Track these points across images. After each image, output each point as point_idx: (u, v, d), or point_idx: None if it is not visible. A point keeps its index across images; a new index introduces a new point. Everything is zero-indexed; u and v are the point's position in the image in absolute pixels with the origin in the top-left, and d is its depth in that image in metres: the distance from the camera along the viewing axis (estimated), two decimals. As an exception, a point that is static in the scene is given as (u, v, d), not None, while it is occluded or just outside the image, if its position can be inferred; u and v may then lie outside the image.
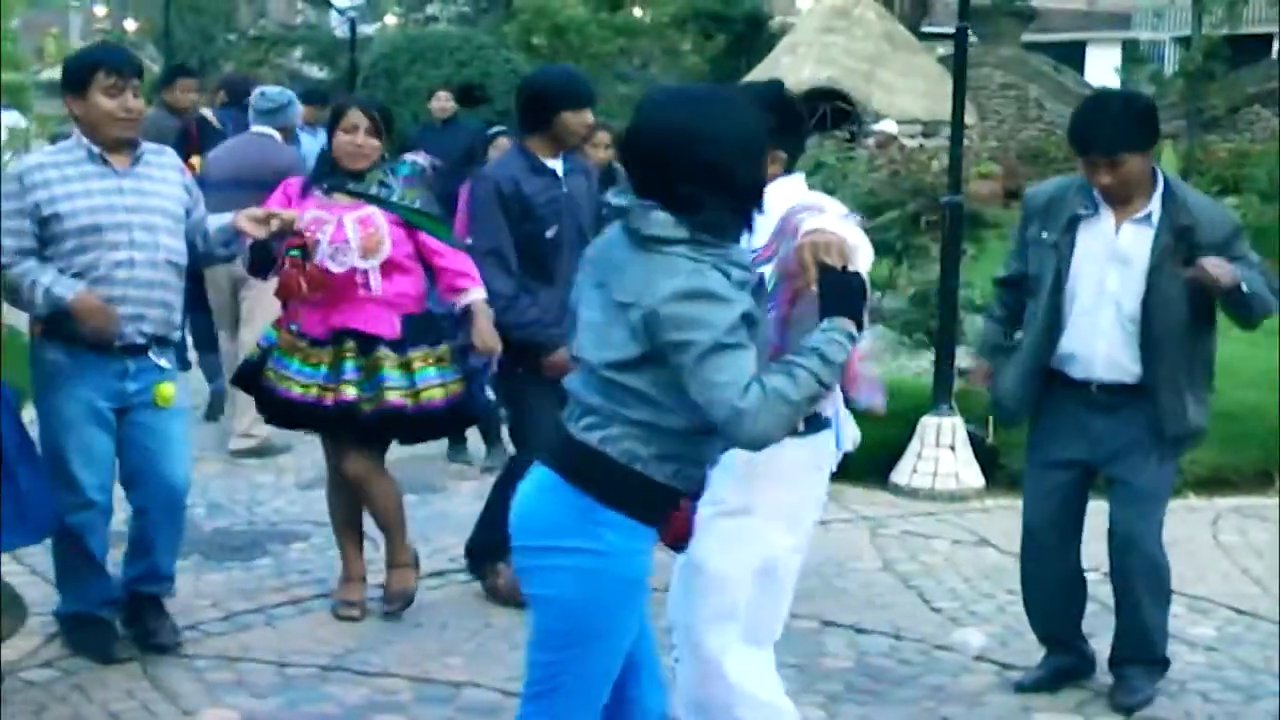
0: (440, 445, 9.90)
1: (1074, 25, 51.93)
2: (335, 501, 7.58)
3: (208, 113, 12.24)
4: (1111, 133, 6.30)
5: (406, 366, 7.07)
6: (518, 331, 7.33)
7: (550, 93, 7.59)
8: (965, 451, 10.09)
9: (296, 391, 7.12)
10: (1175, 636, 7.33)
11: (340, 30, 46.19)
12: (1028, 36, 38.84)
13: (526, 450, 7.67)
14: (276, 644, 7.04)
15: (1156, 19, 47.84)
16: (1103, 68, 45.99)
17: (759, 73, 29.62)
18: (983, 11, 33.54)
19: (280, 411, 7.36)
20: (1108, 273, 6.40)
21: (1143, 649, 6.67)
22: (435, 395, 7.12)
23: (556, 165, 7.59)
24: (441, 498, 9.41)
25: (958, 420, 10.17)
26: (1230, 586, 8.25)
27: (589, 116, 7.67)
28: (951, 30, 21.22)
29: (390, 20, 48.59)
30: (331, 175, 7.25)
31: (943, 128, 25.11)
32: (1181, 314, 6.34)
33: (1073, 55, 47.04)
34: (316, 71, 48.94)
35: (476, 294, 7.20)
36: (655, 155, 4.14)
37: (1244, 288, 6.20)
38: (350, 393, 7.04)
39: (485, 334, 7.17)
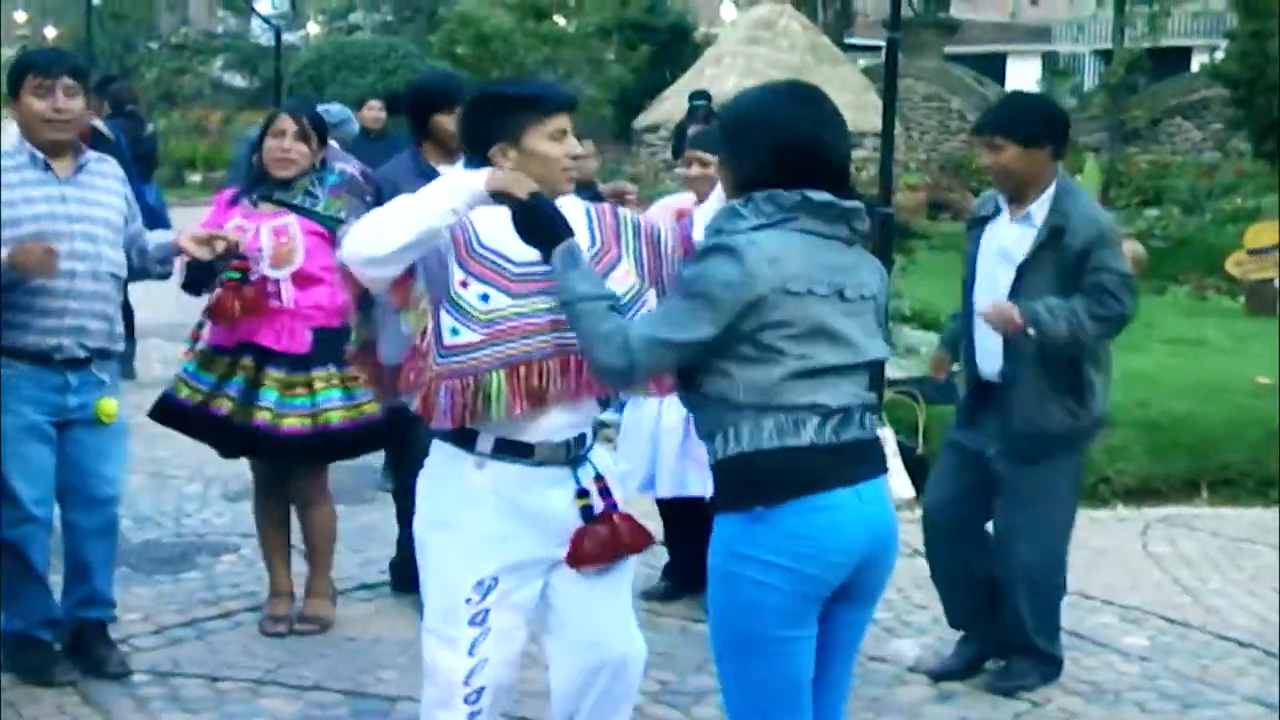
0: (372, 457, 9.84)
1: (995, 38, 52.26)
2: (263, 517, 7.47)
3: (99, 124, 12.10)
4: (995, 118, 6.82)
5: (308, 385, 7.00)
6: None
7: (425, 95, 7.61)
8: (895, 462, 10.05)
9: (184, 395, 7.07)
10: (1108, 646, 7.41)
11: (264, 38, 46.05)
12: (950, 48, 39.11)
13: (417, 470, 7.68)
14: (208, 658, 6.96)
15: (1077, 32, 48.22)
16: (1024, 80, 46.26)
17: (683, 83, 29.73)
18: (905, 23, 33.66)
19: (174, 417, 7.20)
20: (997, 270, 6.67)
21: (1025, 642, 6.87)
22: (334, 418, 7.01)
23: (450, 171, 7.50)
24: (372, 509, 9.32)
25: (888, 431, 10.14)
26: (1161, 596, 8.28)
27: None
28: (875, 42, 21.38)
29: (314, 28, 48.50)
30: (261, 183, 7.16)
31: (867, 139, 25.27)
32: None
33: (994, 67, 47.38)
34: (239, 80, 48.84)
35: None
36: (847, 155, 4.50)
37: (1029, 331, 6.39)
38: (225, 406, 6.98)
39: None
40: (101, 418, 6.48)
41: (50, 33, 58.15)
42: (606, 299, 4.33)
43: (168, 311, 12.16)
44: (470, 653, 4.76)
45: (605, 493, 4.85)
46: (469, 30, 33.38)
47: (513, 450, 4.73)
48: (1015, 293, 6.54)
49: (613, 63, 34.97)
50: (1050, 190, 6.62)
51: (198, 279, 6.93)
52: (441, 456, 4.83)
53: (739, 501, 4.29)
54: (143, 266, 6.70)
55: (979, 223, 6.89)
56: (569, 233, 4.43)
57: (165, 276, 6.98)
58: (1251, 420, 11.13)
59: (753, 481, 4.26)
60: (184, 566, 8.28)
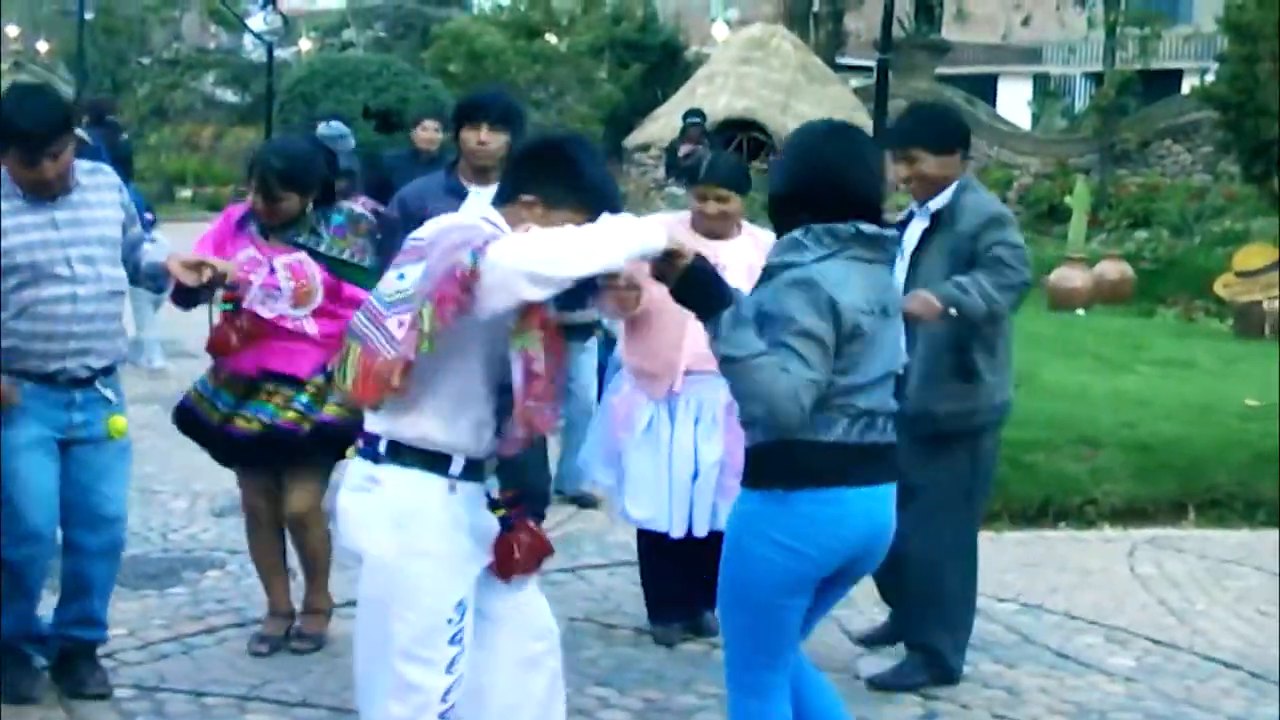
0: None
1: (986, 59, 52.29)
2: (255, 538, 7.39)
3: (80, 132, 12.16)
4: (908, 131, 7.09)
5: (319, 392, 7.00)
6: None
7: (455, 110, 7.70)
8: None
9: (203, 411, 7.06)
10: (1093, 667, 7.41)
11: (256, 54, 46.08)
12: (941, 69, 39.15)
13: None
14: (194, 673, 6.94)
15: (1069, 53, 48.28)
16: (1015, 101, 46.38)
17: (675, 103, 29.79)
18: (897, 44, 33.71)
19: (225, 448, 7.19)
20: (899, 265, 6.74)
21: (913, 636, 7.10)
22: (334, 411, 6.93)
23: (485, 192, 7.44)
24: (359, 525, 9.32)
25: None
26: (1148, 617, 8.28)
27: (484, 134, 7.40)
28: (867, 62, 21.42)
29: (306, 45, 48.50)
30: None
31: (858, 159, 25.29)
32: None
33: (985, 88, 47.43)
34: (231, 96, 48.84)
35: None
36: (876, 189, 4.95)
37: (952, 312, 6.48)
38: (252, 427, 6.97)
39: None
40: (112, 434, 6.41)
41: (43, 47, 58.15)
42: (767, 352, 4.58)
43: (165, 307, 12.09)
44: (449, 670, 4.79)
45: (511, 502, 4.93)
46: (461, 48, 33.39)
47: (472, 470, 4.81)
48: (909, 281, 6.73)
49: (604, 81, 34.96)
50: (951, 188, 6.87)
51: (187, 294, 6.90)
52: (408, 480, 4.77)
53: (762, 482, 4.80)
54: (135, 280, 6.61)
55: (899, 227, 6.89)
56: (730, 292, 4.67)
57: (159, 291, 6.94)
58: (1239, 442, 11.14)
59: (779, 467, 4.75)
60: (170, 582, 8.26)
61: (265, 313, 6.88)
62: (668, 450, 7.27)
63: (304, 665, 7.08)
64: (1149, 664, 7.56)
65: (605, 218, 4.59)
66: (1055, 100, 46.75)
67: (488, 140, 7.42)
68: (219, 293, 6.69)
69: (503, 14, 37.91)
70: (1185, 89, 37.59)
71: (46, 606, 6.70)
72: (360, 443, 4.85)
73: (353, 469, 4.86)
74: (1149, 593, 8.75)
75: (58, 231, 6.21)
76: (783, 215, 4.94)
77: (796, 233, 4.80)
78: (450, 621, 4.76)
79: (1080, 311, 19.18)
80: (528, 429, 4.71)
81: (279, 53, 42.95)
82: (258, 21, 44.94)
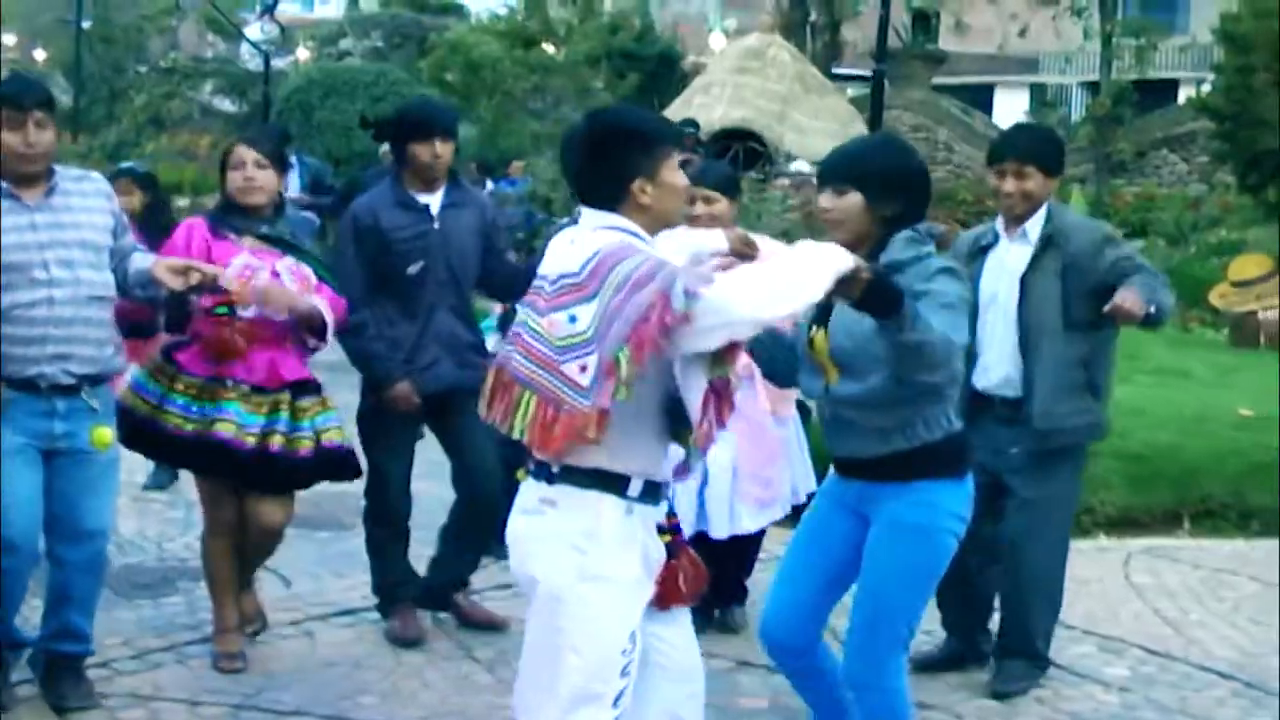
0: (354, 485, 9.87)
1: (983, 69, 52.26)
2: (218, 552, 7.29)
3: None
4: (1025, 147, 7.09)
5: (306, 410, 7.03)
6: (357, 360, 7.47)
7: (399, 124, 7.62)
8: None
9: (237, 438, 6.86)
10: (1088, 677, 7.42)
11: (253, 63, 46.07)
12: (937, 79, 39.13)
13: (373, 495, 7.72)
14: (189, 683, 6.96)
15: (1065, 63, 48.14)
16: (1011, 111, 46.30)
17: (671, 112, 29.70)
18: (893, 54, 33.71)
19: (216, 461, 6.99)
20: (999, 288, 6.95)
21: (1025, 645, 7.20)
22: (308, 444, 7.04)
23: (432, 199, 7.52)
24: (353, 534, 9.28)
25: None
26: (1142, 627, 8.29)
27: (437, 147, 7.43)
28: (863, 72, 21.46)
29: (303, 54, 48.47)
30: (238, 217, 7.06)
31: (855, 169, 25.30)
32: (1053, 317, 6.86)
33: (982, 98, 47.44)
34: (229, 105, 48.82)
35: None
36: None
37: (1153, 310, 6.59)
38: (278, 442, 6.92)
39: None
40: (97, 445, 6.35)
41: (40, 55, 58.21)
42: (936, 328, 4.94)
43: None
44: (615, 704, 4.64)
45: (676, 528, 4.88)
46: (458, 57, 33.39)
47: (650, 492, 4.70)
48: (1021, 303, 6.91)
49: (601, 91, 34.90)
50: (1043, 210, 6.96)
51: (178, 316, 6.87)
52: (584, 501, 4.62)
53: (941, 472, 5.34)
54: (124, 290, 6.52)
55: (980, 252, 7.12)
56: (902, 288, 4.81)
57: (147, 300, 6.75)
58: (1234, 452, 11.16)
59: (950, 456, 5.35)
60: (166, 591, 8.28)
61: (276, 317, 6.88)
62: None
63: (299, 674, 7.11)
64: (1144, 674, 7.58)
65: (795, 247, 4.64)
66: (1052, 110, 46.73)
67: (442, 153, 7.49)
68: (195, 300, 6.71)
69: (500, 24, 37.90)
70: (1181, 99, 37.62)
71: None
72: (530, 464, 4.71)
73: (525, 491, 4.71)
74: (1144, 602, 8.77)
75: (35, 234, 6.19)
76: (899, 222, 5.28)
77: (908, 233, 5.26)
78: (624, 652, 4.62)
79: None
80: (706, 448, 4.67)
81: (276, 62, 42.94)
82: (255, 31, 44.81)
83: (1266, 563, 9.71)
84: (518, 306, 4.78)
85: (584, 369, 4.42)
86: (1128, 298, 6.54)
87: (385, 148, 11.94)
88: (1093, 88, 39.30)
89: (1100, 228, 7.23)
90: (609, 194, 4.64)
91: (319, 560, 8.82)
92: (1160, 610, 8.63)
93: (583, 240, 4.57)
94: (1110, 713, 7.04)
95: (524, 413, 4.50)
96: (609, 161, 4.64)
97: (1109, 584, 9.09)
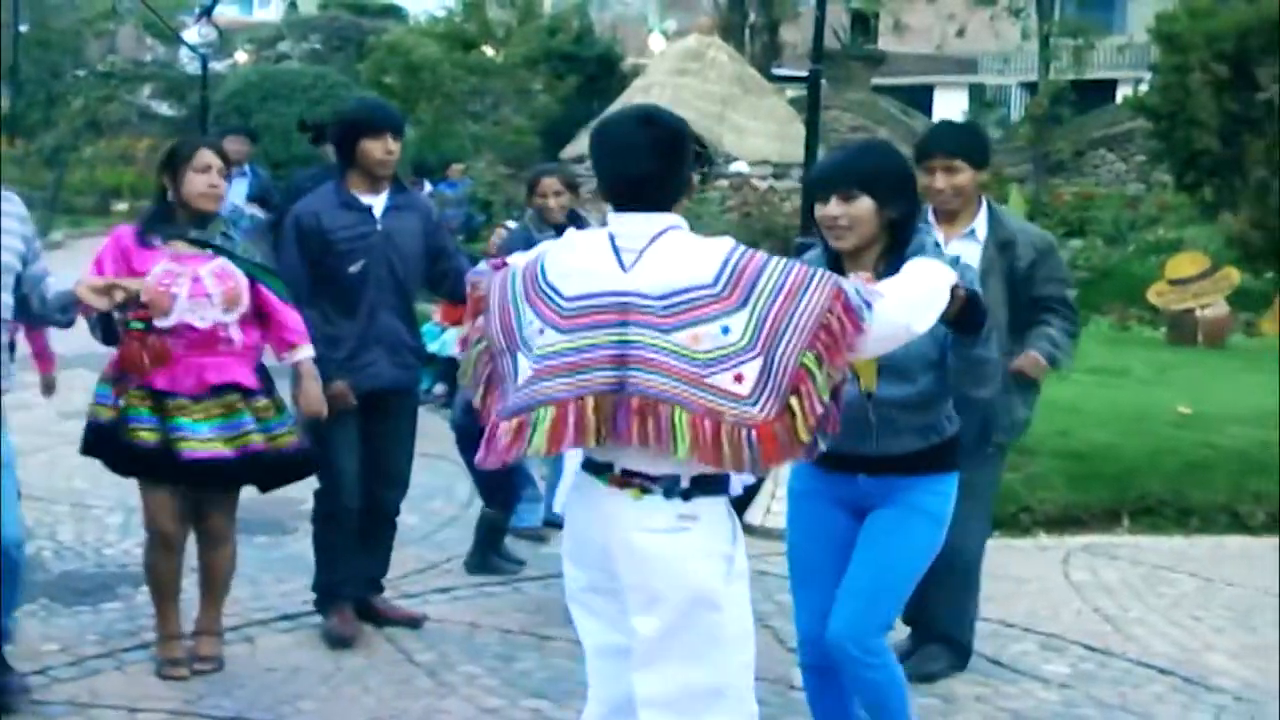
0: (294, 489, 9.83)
1: (922, 69, 52.46)
2: (160, 560, 7.16)
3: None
4: (954, 141, 7.16)
5: (264, 411, 6.97)
6: None
7: (350, 123, 7.58)
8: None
9: (202, 450, 6.79)
10: (1028, 674, 7.45)
11: (191, 67, 45.90)
12: (877, 80, 39.33)
13: (328, 494, 7.69)
14: (127, 689, 6.90)
15: (1003, 64, 48.47)
16: (950, 111, 46.47)
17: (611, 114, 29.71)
18: (833, 55, 33.89)
19: (177, 472, 6.89)
20: None
21: (949, 631, 7.42)
22: (287, 440, 7.02)
23: (376, 201, 7.51)
24: (293, 539, 9.29)
25: (811, 459, 10.20)
26: (1082, 624, 8.33)
27: (390, 143, 7.45)
28: (802, 73, 21.48)
29: (242, 57, 48.31)
30: (172, 221, 6.95)
31: (793, 169, 25.36)
32: (1001, 319, 6.86)
33: (921, 99, 47.66)
34: (167, 109, 48.61)
35: (305, 352, 7.13)
36: None
37: (1052, 365, 7.15)
38: (255, 440, 6.88)
39: (311, 397, 7.17)
40: None
41: (-24, 60, 57.85)
42: None
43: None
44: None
45: None
46: (397, 60, 33.31)
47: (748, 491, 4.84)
48: None
49: (540, 93, 34.93)
50: (983, 207, 7.05)
51: (110, 331, 6.74)
52: (720, 511, 4.67)
53: (951, 466, 5.54)
54: (44, 314, 6.48)
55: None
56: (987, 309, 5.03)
57: (68, 324, 6.71)
58: (1172, 450, 11.24)
59: (955, 452, 5.55)
60: (104, 597, 8.21)
61: (199, 323, 6.76)
62: None
63: (238, 680, 7.05)
64: (1083, 671, 7.61)
65: (918, 263, 4.82)
66: (990, 110, 46.99)
67: (395, 150, 7.50)
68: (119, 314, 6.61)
69: (439, 26, 37.85)
70: (1119, 99, 37.83)
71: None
72: (642, 481, 4.56)
73: (653, 511, 4.56)
74: (1083, 600, 8.81)
75: None
76: (902, 233, 5.28)
77: (930, 238, 5.40)
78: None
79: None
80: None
81: (215, 65, 42.78)
82: (192, 34, 44.66)
83: (1205, 559, 9.79)
84: (612, 329, 4.51)
85: (739, 379, 4.36)
86: (1027, 361, 7.05)
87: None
88: (1031, 88, 39.52)
89: (1046, 238, 7.31)
90: (675, 195, 4.65)
91: (259, 565, 8.76)
92: (1100, 607, 8.67)
93: (677, 245, 4.52)
94: (1051, 710, 7.06)
95: (681, 431, 4.39)
96: (682, 163, 4.69)
97: (1049, 582, 9.13)
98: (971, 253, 6.91)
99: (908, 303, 4.57)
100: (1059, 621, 8.35)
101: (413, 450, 7.90)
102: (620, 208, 4.63)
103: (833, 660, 5.54)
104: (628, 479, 4.55)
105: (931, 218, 7.08)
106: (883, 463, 5.44)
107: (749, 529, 9.73)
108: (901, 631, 7.37)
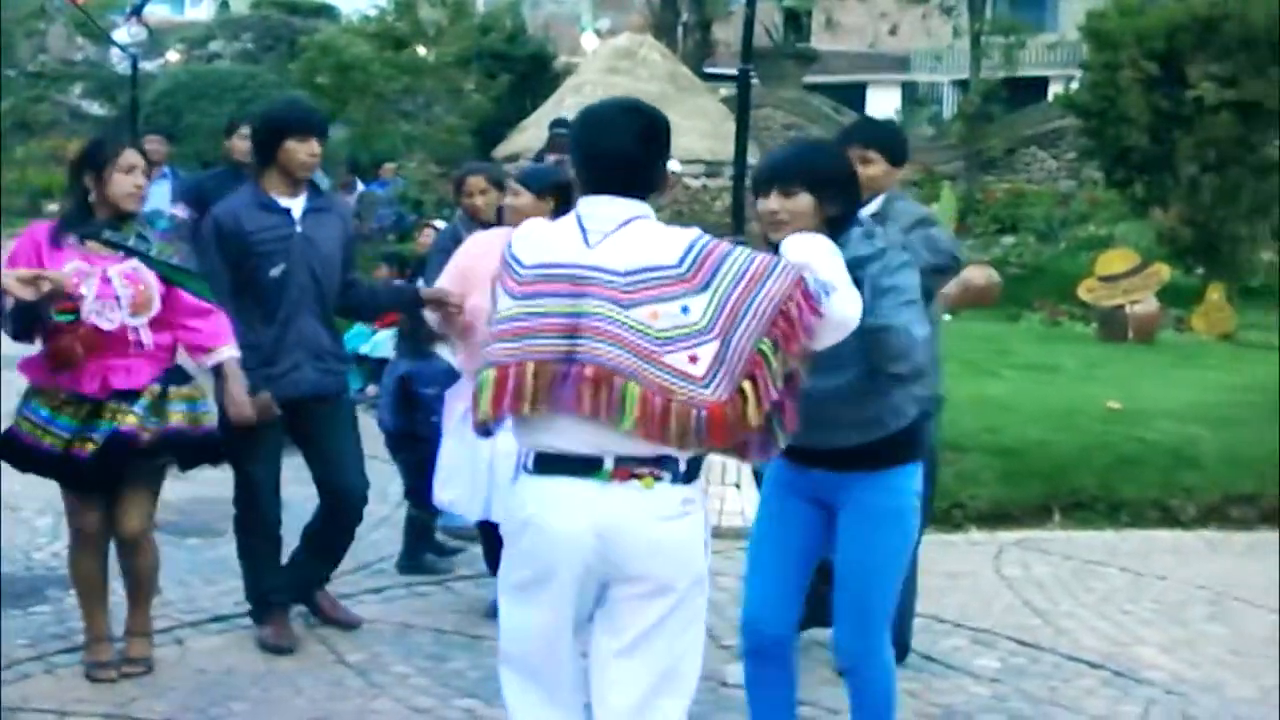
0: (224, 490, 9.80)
1: (855, 67, 52.63)
2: (84, 562, 7.15)
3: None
4: (873, 134, 7.35)
5: (161, 399, 6.88)
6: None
7: (274, 122, 7.49)
8: (750, 489, 10.14)
9: (48, 443, 6.76)
10: (959, 669, 7.48)
11: (122, 66, 45.60)
12: (809, 78, 39.36)
13: (244, 504, 7.65)
14: (57, 693, 6.86)
15: (935, 62, 48.64)
16: (883, 109, 46.66)
17: (543, 112, 29.69)
18: (765, 53, 33.95)
19: (71, 474, 6.88)
20: None
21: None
22: (180, 419, 6.88)
23: (294, 204, 7.44)
24: (223, 541, 9.18)
25: (744, 457, 10.21)
26: (1013, 619, 8.36)
27: (315, 146, 7.39)
28: (734, 72, 21.48)
29: (173, 57, 48.05)
30: (89, 221, 6.87)
31: (726, 168, 25.34)
32: None
33: (854, 97, 47.72)
34: (98, 108, 48.32)
35: (228, 352, 7.04)
36: None
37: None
38: (89, 447, 6.72)
39: (237, 398, 7.09)
40: None
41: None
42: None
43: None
44: None
45: None
46: (329, 59, 33.11)
47: None
48: None
49: (473, 92, 34.80)
50: (882, 196, 7.14)
51: (27, 326, 6.69)
52: (701, 493, 4.76)
53: (908, 457, 5.59)
54: None
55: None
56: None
57: None
58: (1102, 445, 11.29)
59: (913, 442, 5.60)
60: (34, 601, 8.15)
61: (105, 325, 6.67)
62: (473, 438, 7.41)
63: (169, 682, 7.02)
64: (1014, 665, 7.65)
65: (799, 244, 4.92)
66: (923, 108, 47.16)
67: (318, 153, 7.46)
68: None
69: (370, 25, 37.67)
70: (1050, 96, 38.00)
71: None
72: (649, 470, 4.59)
73: (660, 499, 4.60)
74: (1015, 594, 8.85)
75: None
76: (839, 228, 5.32)
77: (863, 229, 5.43)
78: None
79: (947, 317, 19.31)
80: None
81: (147, 65, 42.53)
82: (123, 34, 44.39)
83: (1135, 553, 9.85)
84: (563, 299, 4.59)
85: (694, 359, 4.45)
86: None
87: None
88: (963, 86, 39.69)
89: (920, 211, 7.40)
90: (649, 184, 4.76)
91: (189, 567, 8.73)
92: (1031, 602, 8.71)
93: (645, 231, 4.62)
94: (981, 704, 7.09)
95: (630, 404, 4.46)
96: (660, 154, 4.81)
97: (980, 577, 9.17)
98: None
99: (854, 293, 4.72)
100: (990, 616, 8.38)
101: (359, 451, 7.77)
102: (593, 190, 4.72)
103: (774, 650, 5.76)
104: (630, 469, 4.58)
105: None
106: (830, 457, 5.49)
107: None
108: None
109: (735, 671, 7.23)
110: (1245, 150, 20.63)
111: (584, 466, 4.59)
